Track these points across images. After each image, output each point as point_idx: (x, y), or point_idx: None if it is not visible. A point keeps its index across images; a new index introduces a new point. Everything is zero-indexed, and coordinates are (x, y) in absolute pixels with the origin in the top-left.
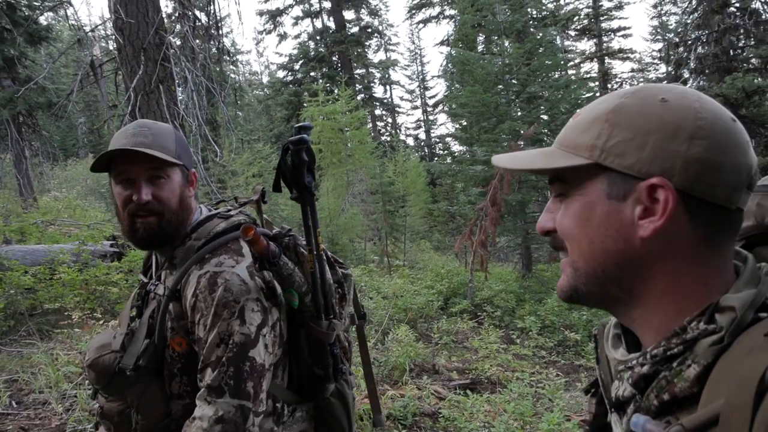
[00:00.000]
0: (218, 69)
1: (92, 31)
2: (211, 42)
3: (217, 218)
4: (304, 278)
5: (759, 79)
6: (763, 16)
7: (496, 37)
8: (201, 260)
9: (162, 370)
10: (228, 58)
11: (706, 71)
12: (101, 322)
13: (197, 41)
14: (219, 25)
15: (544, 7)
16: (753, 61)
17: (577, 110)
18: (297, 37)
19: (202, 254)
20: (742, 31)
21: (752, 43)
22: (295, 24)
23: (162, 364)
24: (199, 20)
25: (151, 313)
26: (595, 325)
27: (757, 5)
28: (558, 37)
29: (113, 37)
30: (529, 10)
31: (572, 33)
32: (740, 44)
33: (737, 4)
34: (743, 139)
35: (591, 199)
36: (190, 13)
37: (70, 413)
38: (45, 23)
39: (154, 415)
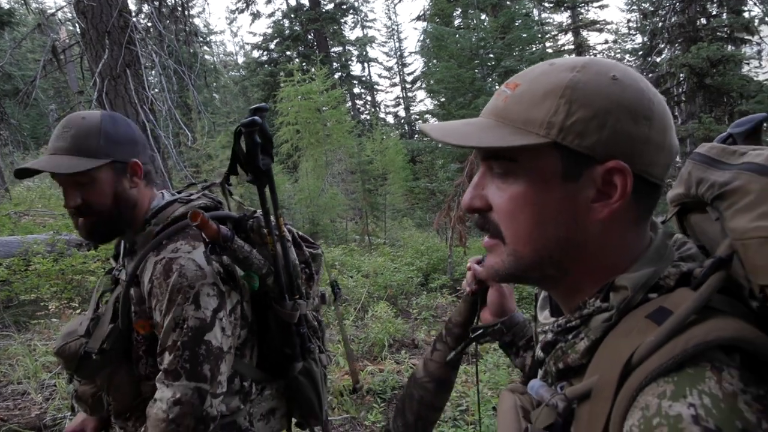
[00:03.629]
0: (189, 51)
1: (53, 14)
2: (179, 23)
3: (177, 203)
4: (265, 260)
5: (730, 46)
6: None
7: (471, 11)
8: (158, 246)
9: (130, 353)
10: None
11: (680, 41)
12: (79, 311)
13: (166, 22)
14: (186, 5)
15: None
16: (722, 30)
17: (510, 80)
18: (271, 15)
19: (159, 240)
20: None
21: (724, 11)
22: (269, 2)
23: (130, 347)
24: (165, 1)
25: (116, 298)
26: None
27: None
28: (534, 9)
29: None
30: None
31: (548, 4)
32: (712, 13)
33: None
34: (671, 119)
35: (542, 180)
36: None
37: (49, 402)
38: (7, 7)
39: (123, 396)
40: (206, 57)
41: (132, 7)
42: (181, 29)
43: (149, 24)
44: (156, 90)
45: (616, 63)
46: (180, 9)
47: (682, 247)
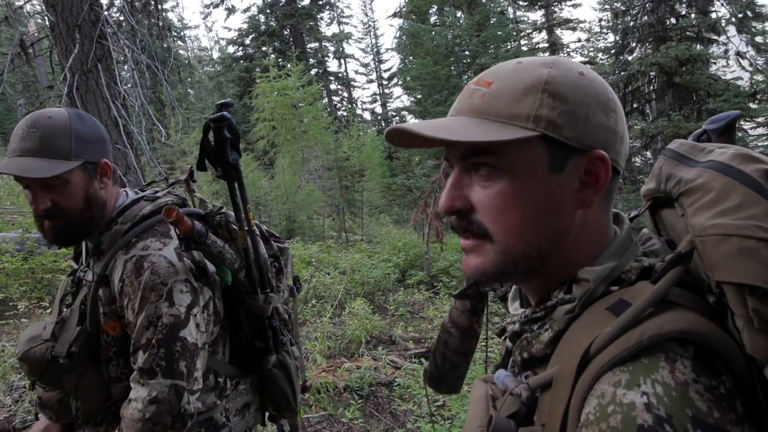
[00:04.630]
0: (162, 45)
1: (21, 7)
2: (152, 17)
3: (143, 201)
4: (236, 255)
5: (698, 46)
6: None
7: (447, 9)
8: (127, 245)
9: (98, 355)
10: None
11: (650, 40)
12: (48, 311)
13: (138, 16)
14: None
15: None
16: (690, 29)
17: (481, 78)
18: (246, 10)
19: (128, 238)
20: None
21: (694, 11)
22: None
23: (98, 350)
24: None
25: (83, 300)
26: None
27: None
28: (509, 7)
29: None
30: None
31: (522, 3)
32: (681, 13)
33: None
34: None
35: (531, 173)
36: None
37: (18, 404)
38: None
39: (93, 400)
40: (180, 52)
41: (103, 0)
42: (154, 24)
43: (121, 18)
44: (128, 85)
45: (575, 61)
46: (153, 3)
47: (647, 242)
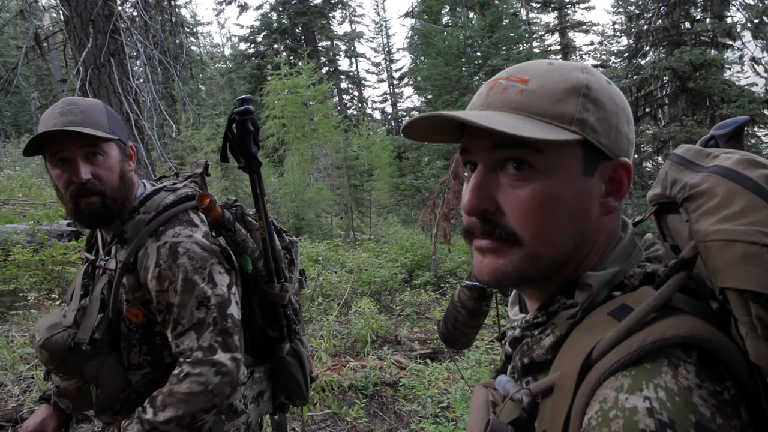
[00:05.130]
0: (174, 41)
1: (36, 1)
2: (165, 13)
3: (163, 191)
4: (255, 244)
5: (713, 51)
6: None
7: (459, 9)
8: (155, 232)
9: (117, 342)
10: (186, 30)
11: (664, 44)
12: (58, 302)
13: (152, 11)
14: None
15: None
16: (705, 34)
17: (511, 74)
18: (259, 8)
19: (155, 226)
20: (700, 3)
21: (709, 15)
22: None
23: (117, 337)
24: None
25: (103, 288)
26: None
27: None
28: (522, 9)
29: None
30: None
31: (535, 5)
32: (696, 18)
33: None
34: None
35: (568, 176)
36: None
37: (27, 394)
38: None
39: (113, 387)
40: (192, 48)
41: None
42: (167, 19)
43: (134, 13)
44: (140, 80)
45: (593, 68)
46: (167, 0)
47: (651, 247)
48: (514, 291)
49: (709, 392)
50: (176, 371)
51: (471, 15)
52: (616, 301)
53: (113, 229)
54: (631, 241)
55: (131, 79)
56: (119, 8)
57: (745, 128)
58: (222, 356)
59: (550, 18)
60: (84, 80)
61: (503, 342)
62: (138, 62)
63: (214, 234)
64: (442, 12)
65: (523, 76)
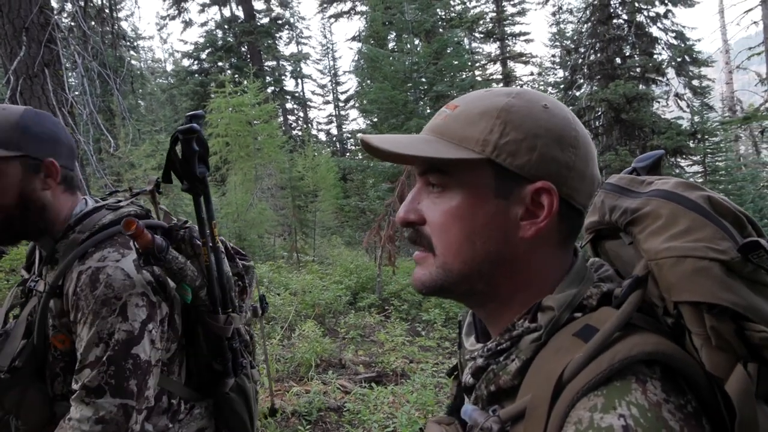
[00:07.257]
0: (115, 54)
1: None
2: (105, 25)
3: (104, 209)
4: (198, 272)
5: (641, 86)
6: (647, 30)
7: (405, 36)
8: (84, 254)
9: (44, 371)
10: (127, 43)
11: (597, 77)
12: None
13: (91, 22)
14: (114, 6)
15: (452, 9)
16: (636, 69)
17: (451, 102)
18: (204, 24)
19: (85, 248)
20: (630, 40)
21: (637, 52)
22: (202, 11)
23: (44, 365)
24: (91, 1)
25: (31, 311)
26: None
27: (642, 19)
28: (466, 38)
29: None
30: (438, 11)
31: (478, 35)
32: (626, 54)
33: (625, 17)
34: (595, 152)
35: (476, 195)
36: None
37: None
38: None
39: (35, 418)
40: (133, 62)
41: (54, 4)
42: (108, 31)
43: (73, 23)
44: (77, 93)
45: (548, 95)
46: (107, 10)
47: (600, 269)
48: (467, 321)
49: (675, 406)
50: (68, 413)
51: (417, 42)
52: (579, 322)
53: (45, 248)
54: (582, 264)
55: (67, 90)
56: (56, 17)
57: (662, 160)
58: (107, 401)
59: (492, 48)
60: (14, 90)
61: (453, 375)
62: (74, 74)
63: (142, 263)
64: (389, 38)
65: (456, 103)
